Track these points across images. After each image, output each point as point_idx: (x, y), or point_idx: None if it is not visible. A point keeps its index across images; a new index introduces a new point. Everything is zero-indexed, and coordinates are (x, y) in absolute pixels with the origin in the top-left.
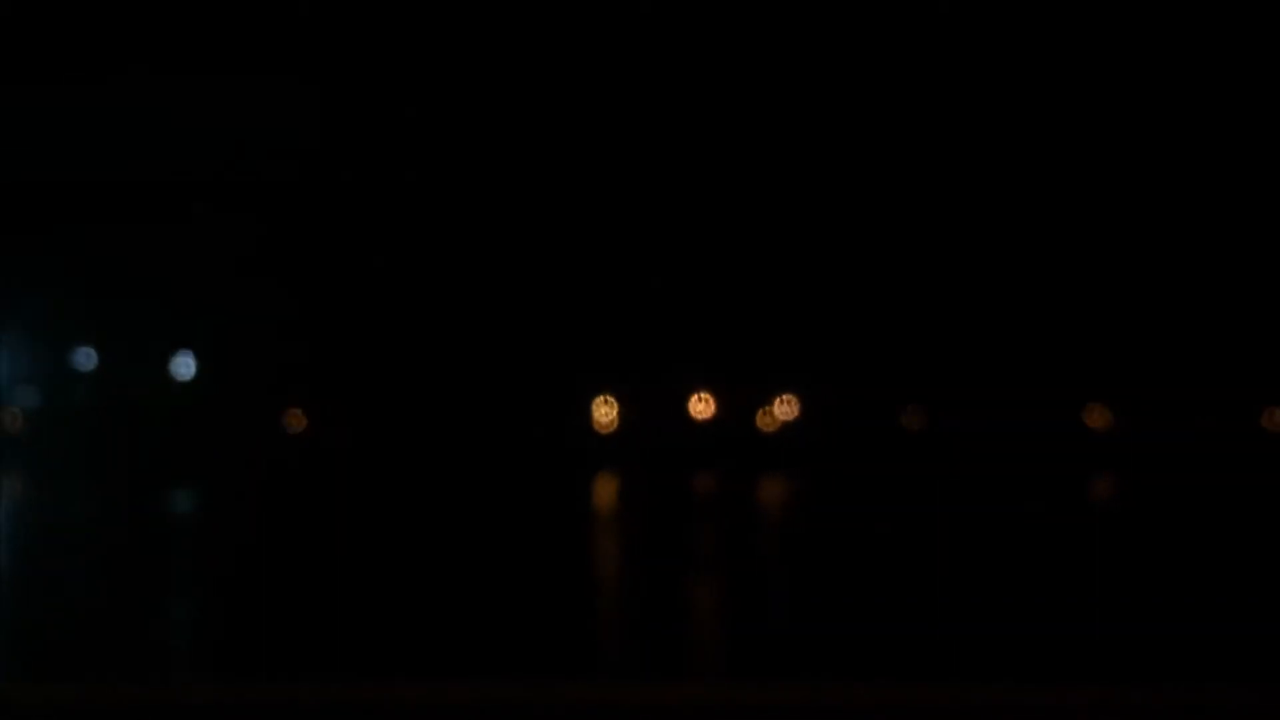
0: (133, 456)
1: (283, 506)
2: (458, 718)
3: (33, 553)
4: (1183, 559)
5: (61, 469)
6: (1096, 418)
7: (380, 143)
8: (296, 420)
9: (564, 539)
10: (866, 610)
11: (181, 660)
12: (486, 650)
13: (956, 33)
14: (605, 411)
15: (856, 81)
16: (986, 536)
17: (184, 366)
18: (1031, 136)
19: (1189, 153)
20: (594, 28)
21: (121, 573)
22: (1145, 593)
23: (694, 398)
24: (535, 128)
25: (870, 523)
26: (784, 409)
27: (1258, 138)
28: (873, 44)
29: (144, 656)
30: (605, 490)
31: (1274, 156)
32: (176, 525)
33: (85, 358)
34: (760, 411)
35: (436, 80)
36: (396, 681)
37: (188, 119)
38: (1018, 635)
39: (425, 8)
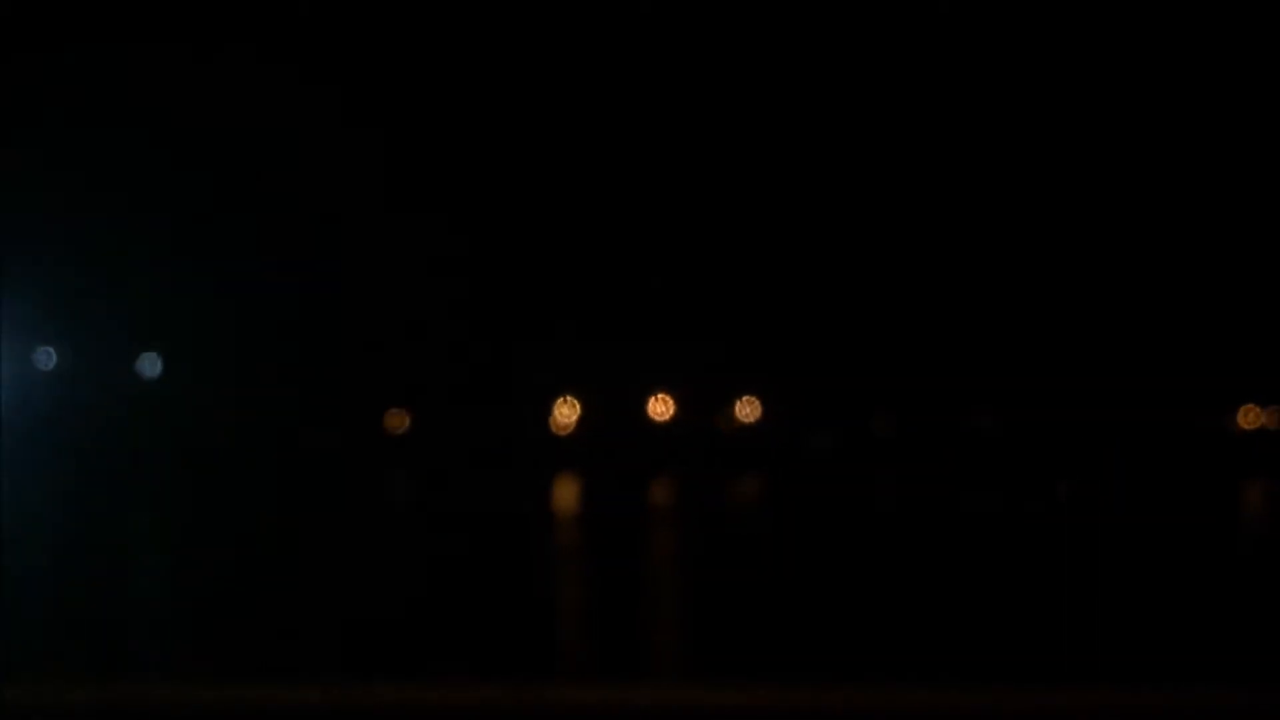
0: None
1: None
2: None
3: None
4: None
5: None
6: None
7: (338, 139)
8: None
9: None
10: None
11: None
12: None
13: (922, 31)
14: (565, 413)
15: (822, 85)
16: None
17: (148, 365)
18: (989, 136)
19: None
20: (546, 25)
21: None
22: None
23: (653, 399)
24: (498, 131)
25: (816, 525)
26: (745, 411)
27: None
28: (838, 40)
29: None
30: (562, 492)
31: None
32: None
33: (45, 358)
34: (719, 413)
35: (397, 78)
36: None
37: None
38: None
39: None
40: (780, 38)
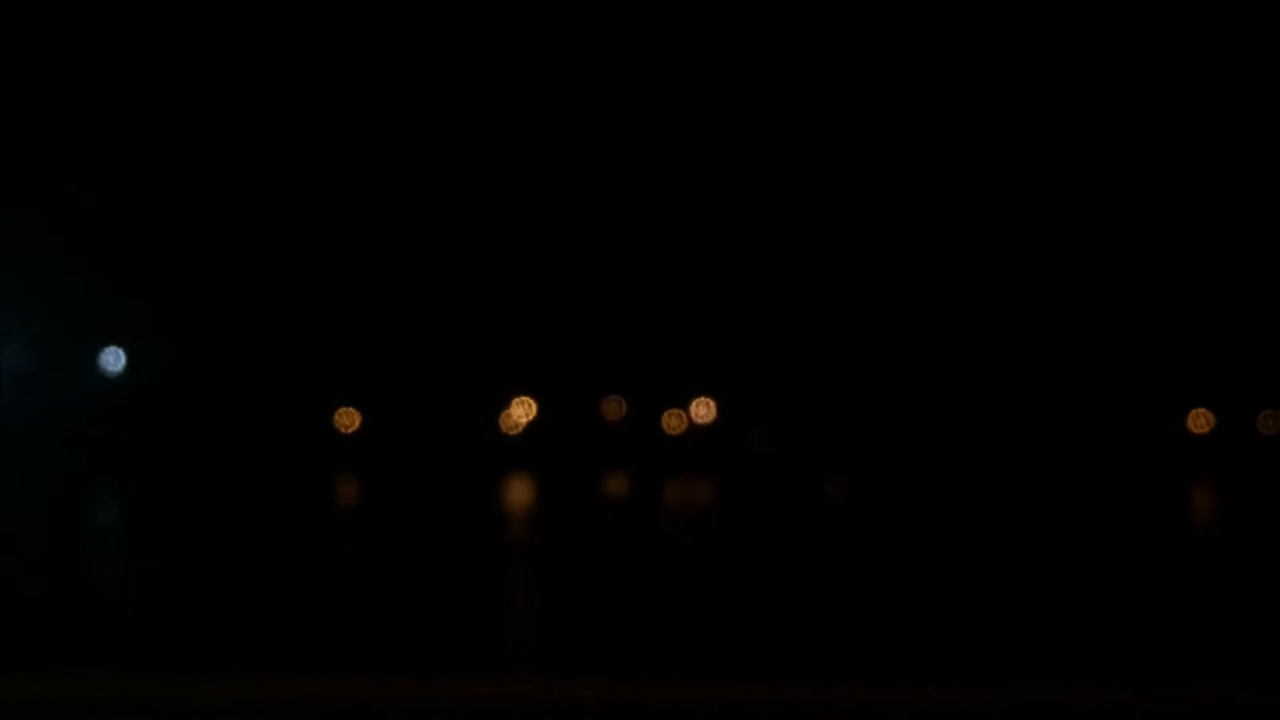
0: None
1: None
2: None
3: None
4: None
5: None
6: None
7: (291, 136)
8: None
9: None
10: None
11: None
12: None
13: (851, 48)
14: (520, 412)
15: (767, 91)
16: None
17: (112, 361)
18: (940, 143)
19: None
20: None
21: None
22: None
23: (606, 399)
24: (448, 133)
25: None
26: (701, 412)
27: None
28: (790, 35)
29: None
30: (512, 492)
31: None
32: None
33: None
34: (667, 414)
35: (352, 81)
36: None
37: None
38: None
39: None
40: (729, 35)
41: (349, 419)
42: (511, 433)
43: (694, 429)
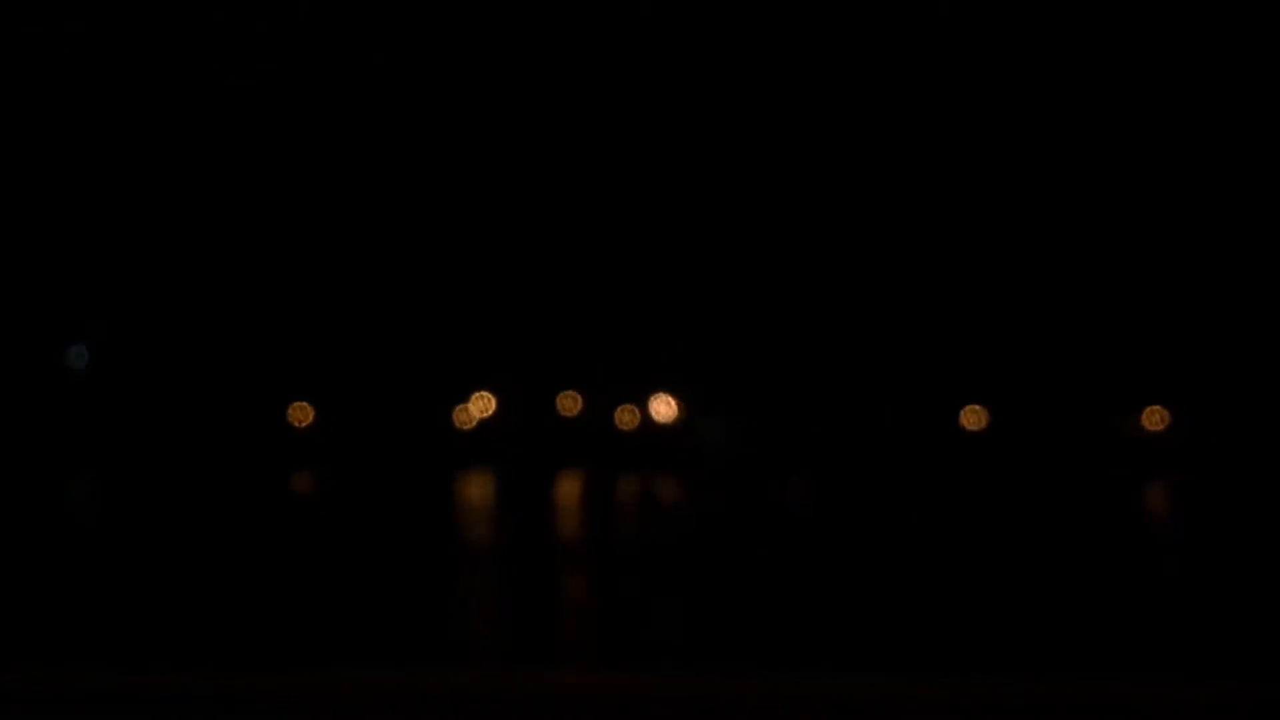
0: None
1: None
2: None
3: None
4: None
5: None
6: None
7: (247, 135)
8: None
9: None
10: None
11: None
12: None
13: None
14: (479, 407)
15: (724, 88)
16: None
17: (77, 357)
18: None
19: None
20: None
21: None
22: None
23: (562, 395)
24: (406, 133)
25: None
26: (661, 408)
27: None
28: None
29: None
30: (465, 487)
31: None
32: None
33: None
34: (620, 410)
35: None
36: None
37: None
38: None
39: None
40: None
41: (302, 414)
42: (465, 428)
43: (651, 425)
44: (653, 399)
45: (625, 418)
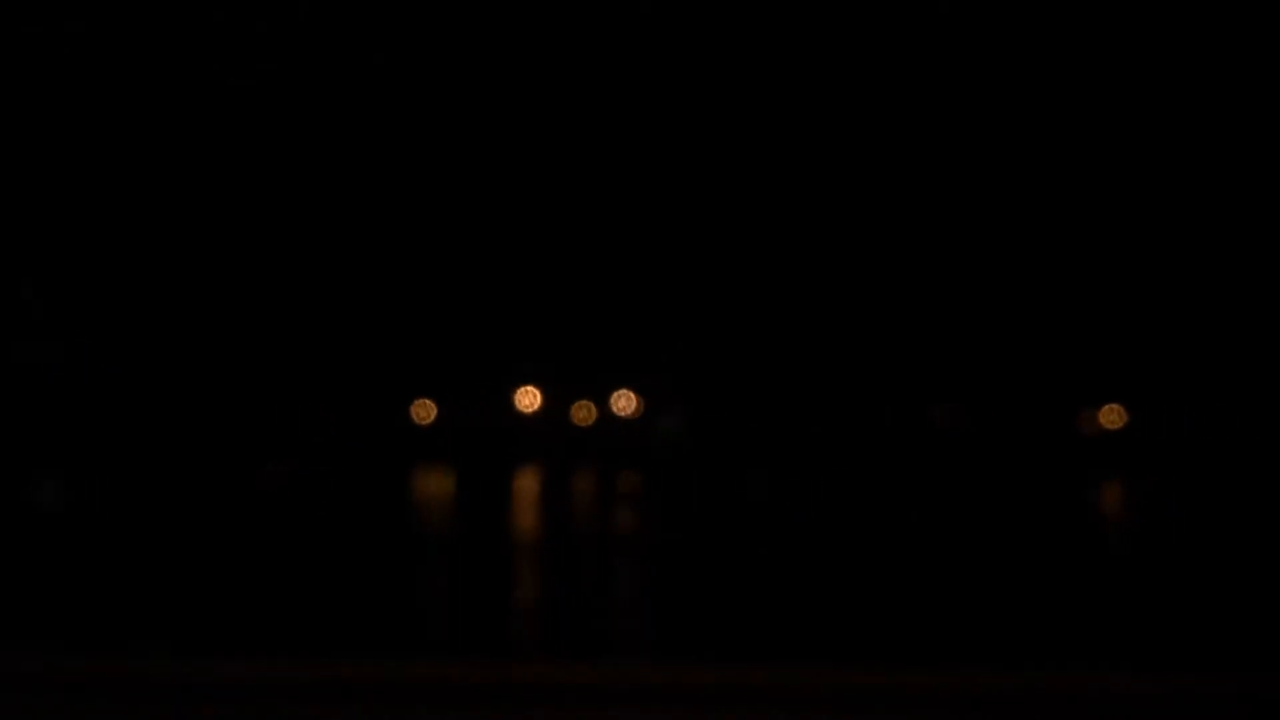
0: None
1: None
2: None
3: None
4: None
5: None
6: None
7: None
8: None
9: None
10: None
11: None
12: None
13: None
14: (431, 406)
15: (692, 89)
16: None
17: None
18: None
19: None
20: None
21: None
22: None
23: (520, 391)
24: (372, 133)
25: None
26: (622, 405)
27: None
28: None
29: None
30: (423, 484)
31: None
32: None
33: None
34: (576, 406)
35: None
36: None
37: None
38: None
39: None
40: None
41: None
42: (424, 423)
43: (611, 420)
44: (614, 395)
45: (582, 414)
